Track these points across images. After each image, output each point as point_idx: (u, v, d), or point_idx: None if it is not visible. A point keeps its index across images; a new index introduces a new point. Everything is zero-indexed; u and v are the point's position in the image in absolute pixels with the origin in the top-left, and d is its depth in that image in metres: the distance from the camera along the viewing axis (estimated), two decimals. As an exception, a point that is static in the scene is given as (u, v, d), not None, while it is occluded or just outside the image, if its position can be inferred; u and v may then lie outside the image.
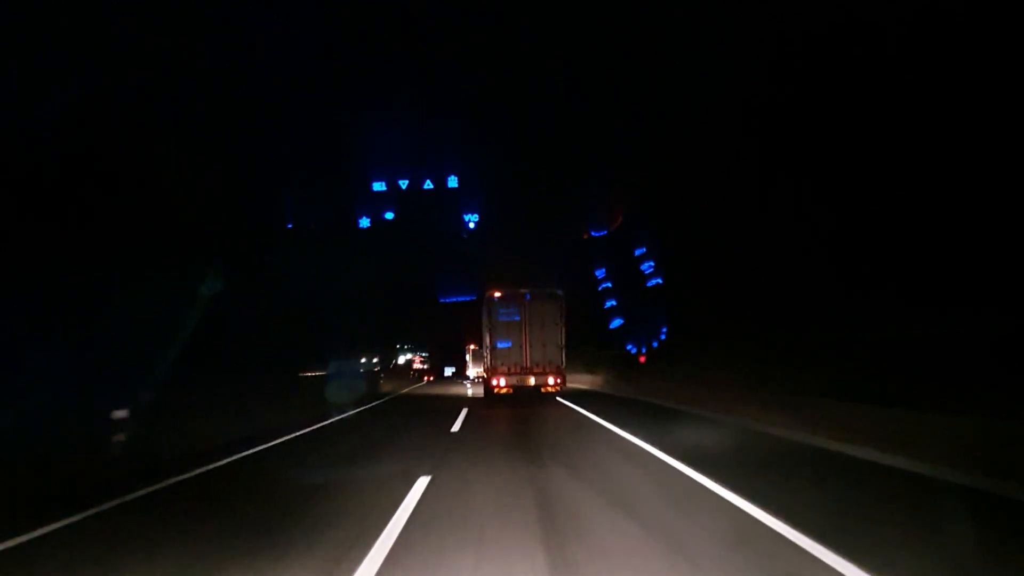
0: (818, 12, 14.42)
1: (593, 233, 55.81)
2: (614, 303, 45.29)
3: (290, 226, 47.46)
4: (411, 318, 59.94)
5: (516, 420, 13.00)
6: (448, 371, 59.70)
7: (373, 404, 19.98)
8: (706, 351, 20.17)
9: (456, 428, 11.82)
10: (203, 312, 19.05)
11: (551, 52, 34.69)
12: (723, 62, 20.48)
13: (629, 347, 38.36)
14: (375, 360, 31.74)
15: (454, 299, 64.21)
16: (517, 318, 16.05)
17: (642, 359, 33.88)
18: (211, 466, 8.26)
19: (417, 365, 69.17)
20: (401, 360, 69.33)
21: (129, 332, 16.00)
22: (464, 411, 14.65)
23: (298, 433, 11.86)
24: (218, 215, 24.61)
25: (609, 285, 46.83)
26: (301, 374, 26.71)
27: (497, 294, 16.44)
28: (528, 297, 16.24)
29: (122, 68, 19.23)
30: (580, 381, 27.44)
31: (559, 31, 31.67)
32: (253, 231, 30.13)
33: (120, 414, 8.44)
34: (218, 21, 24.85)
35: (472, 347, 39.64)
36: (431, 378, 55.88)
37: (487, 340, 16.45)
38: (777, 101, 16.82)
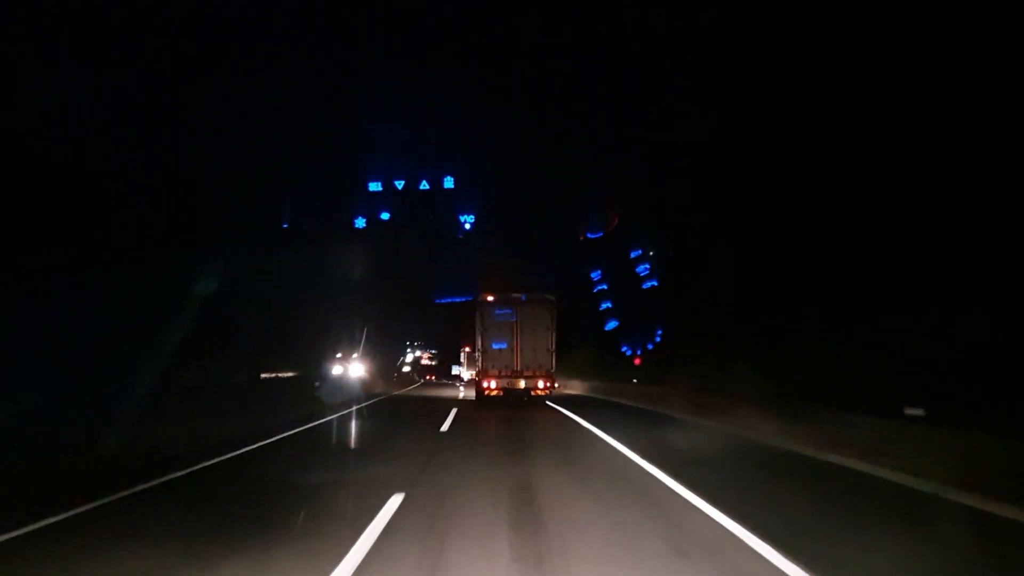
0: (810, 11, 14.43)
1: (589, 235, 55.93)
2: (609, 305, 45.34)
3: (286, 226, 47.49)
4: (409, 319, 59.95)
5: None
6: (456, 369, 60.25)
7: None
8: (701, 354, 20.14)
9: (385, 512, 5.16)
10: (196, 311, 18.91)
11: (549, 55, 34.79)
12: (724, 61, 20.51)
13: (624, 349, 38.38)
14: (354, 356, 30.55)
15: (449, 300, 64.18)
16: (509, 322, 16.08)
17: (637, 361, 33.86)
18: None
19: (425, 361, 69.43)
20: (409, 358, 69.50)
21: (123, 330, 15.89)
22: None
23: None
24: (215, 215, 24.48)
25: (604, 287, 46.88)
26: (262, 375, 25.87)
27: (490, 298, 16.51)
28: (520, 302, 16.30)
29: (123, 67, 19.14)
30: (573, 386, 27.22)
31: (558, 34, 31.76)
32: (249, 231, 29.98)
33: None
34: (218, 23, 24.77)
35: (466, 350, 39.61)
36: (432, 377, 55.85)
37: (479, 343, 16.48)
38: (776, 99, 16.85)
